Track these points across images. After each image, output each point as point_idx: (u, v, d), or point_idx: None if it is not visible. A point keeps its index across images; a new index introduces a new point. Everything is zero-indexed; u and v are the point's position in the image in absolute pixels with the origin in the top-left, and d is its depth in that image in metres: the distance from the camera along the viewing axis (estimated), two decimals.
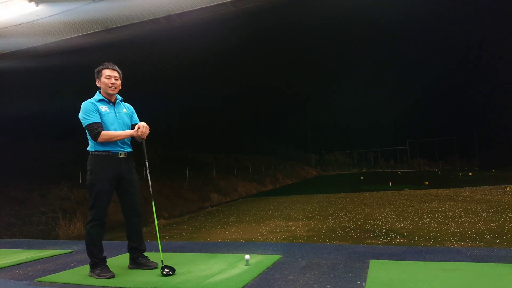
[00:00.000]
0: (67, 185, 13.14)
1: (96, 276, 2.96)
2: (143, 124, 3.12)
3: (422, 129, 66.18)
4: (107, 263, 3.09)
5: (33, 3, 6.02)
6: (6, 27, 6.93)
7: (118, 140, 3.07)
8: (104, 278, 2.92)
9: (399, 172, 45.30)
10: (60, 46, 8.20)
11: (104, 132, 2.99)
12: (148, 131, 3.11)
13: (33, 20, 6.72)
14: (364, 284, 2.57)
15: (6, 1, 5.90)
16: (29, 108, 16.34)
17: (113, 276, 2.96)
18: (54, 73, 17.53)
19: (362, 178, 36.00)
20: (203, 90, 37.17)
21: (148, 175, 3.20)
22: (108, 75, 3.12)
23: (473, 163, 51.05)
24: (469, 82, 56.79)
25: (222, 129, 40.41)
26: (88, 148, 3.11)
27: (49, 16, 6.60)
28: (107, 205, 3.06)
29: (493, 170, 37.13)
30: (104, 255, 3.08)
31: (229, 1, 6.45)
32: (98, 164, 3.03)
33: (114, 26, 7.33)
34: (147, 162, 3.20)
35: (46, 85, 18.44)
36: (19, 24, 6.86)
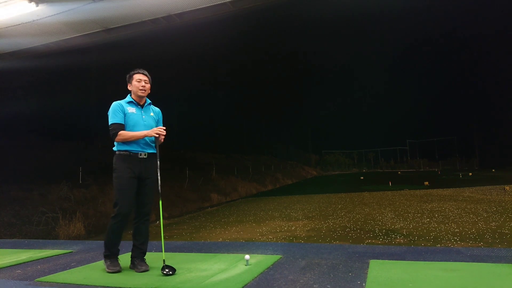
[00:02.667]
0: (67, 185, 13.11)
1: (106, 268, 3.17)
2: (159, 127, 3.27)
3: (422, 129, 65.87)
4: (118, 258, 3.25)
5: (33, 3, 6.02)
6: (6, 27, 6.94)
7: (134, 140, 3.17)
8: (111, 271, 3.10)
9: (399, 172, 45.18)
10: (60, 46, 8.21)
11: (121, 132, 3.14)
12: (161, 131, 3.22)
13: (33, 20, 6.72)
14: (364, 284, 2.57)
15: (6, 1, 5.90)
16: (29, 108, 16.36)
17: (119, 271, 3.12)
18: (54, 73, 17.56)
19: (362, 178, 35.88)
20: (203, 90, 37.16)
21: (158, 174, 3.28)
22: (139, 79, 3.31)
23: (473, 163, 50.89)
24: (469, 81, 56.71)
25: (222, 129, 40.37)
26: (114, 148, 3.24)
27: (49, 16, 6.60)
28: (130, 203, 3.18)
29: (493, 170, 37.04)
30: (118, 249, 3.23)
31: (229, 1, 6.45)
32: (120, 163, 3.18)
33: (114, 26, 7.33)
34: (158, 162, 3.30)
35: (46, 85, 18.44)
36: (19, 24, 6.86)
